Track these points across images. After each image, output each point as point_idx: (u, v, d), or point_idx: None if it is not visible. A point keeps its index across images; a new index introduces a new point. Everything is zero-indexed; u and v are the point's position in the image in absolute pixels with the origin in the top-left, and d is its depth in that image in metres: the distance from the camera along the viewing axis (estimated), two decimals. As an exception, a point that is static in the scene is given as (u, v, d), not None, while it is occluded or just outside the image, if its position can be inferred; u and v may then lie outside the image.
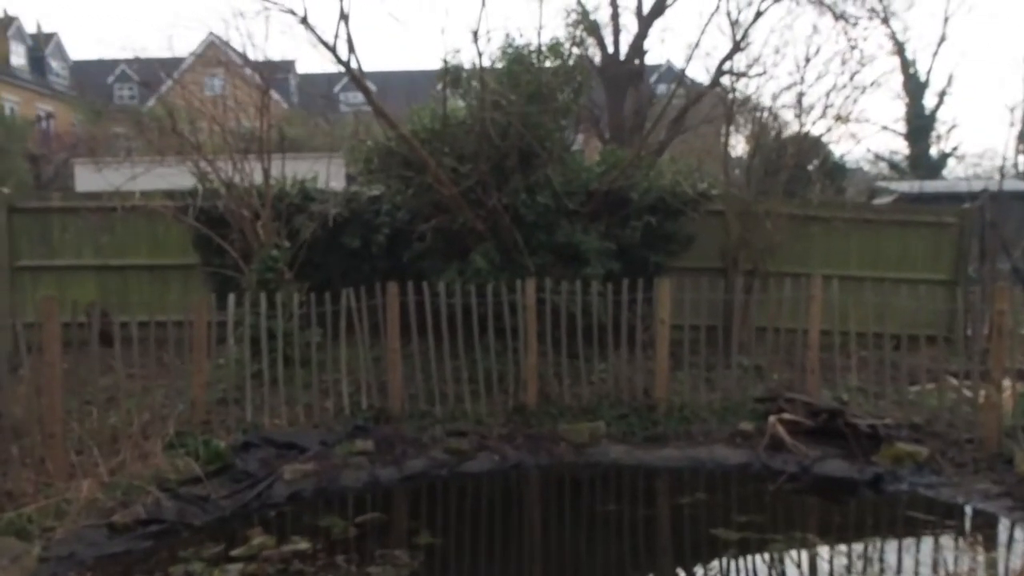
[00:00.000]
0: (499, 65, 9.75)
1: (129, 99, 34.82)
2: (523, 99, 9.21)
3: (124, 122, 19.18)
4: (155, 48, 20.57)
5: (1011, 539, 6.33)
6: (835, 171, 15.44)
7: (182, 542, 6.16)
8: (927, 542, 6.28)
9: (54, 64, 39.19)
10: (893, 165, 29.93)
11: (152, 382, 7.81)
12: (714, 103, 12.06)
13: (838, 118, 10.91)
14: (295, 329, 8.47)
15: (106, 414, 7.60)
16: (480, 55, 9.21)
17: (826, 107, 10.76)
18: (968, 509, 6.84)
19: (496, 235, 9.39)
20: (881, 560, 5.99)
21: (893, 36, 25.47)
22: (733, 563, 5.99)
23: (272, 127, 9.97)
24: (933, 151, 29.46)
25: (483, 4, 9.02)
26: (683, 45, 36.89)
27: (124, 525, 6.16)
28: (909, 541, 6.33)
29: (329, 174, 10.82)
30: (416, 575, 5.69)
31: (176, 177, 10.24)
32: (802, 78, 10.75)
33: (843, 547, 6.30)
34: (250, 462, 7.35)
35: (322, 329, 8.68)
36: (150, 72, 12.51)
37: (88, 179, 14.88)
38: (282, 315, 8.44)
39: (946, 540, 6.33)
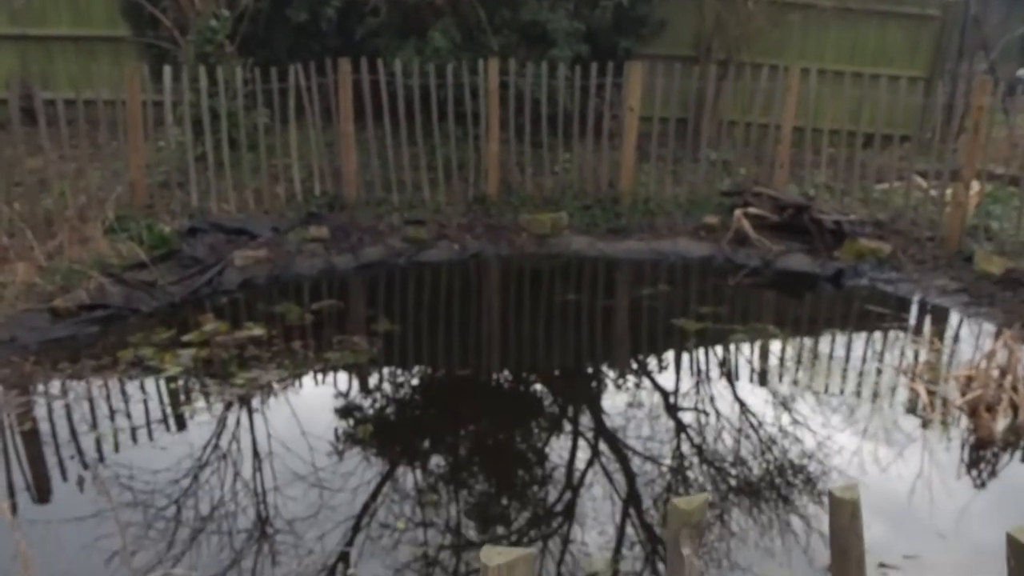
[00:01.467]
0: None
1: None
2: None
3: None
4: None
5: (961, 332, 6.44)
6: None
7: (130, 328, 5.90)
8: (881, 334, 6.35)
9: None
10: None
11: (86, 164, 7.27)
12: None
13: None
14: (239, 109, 7.86)
15: (38, 196, 7.10)
16: None
17: None
18: (925, 303, 6.92)
19: (456, 10, 8.68)
20: (834, 350, 6.06)
21: None
22: (693, 352, 5.99)
23: None
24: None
25: None
26: None
27: (67, 310, 5.86)
28: (864, 333, 6.40)
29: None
30: (375, 361, 5.57)
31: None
32: None
33: (800, 338, 6.35)
34: (198, 248, 7.01)
35: (269, 111, 8.09)
36: None
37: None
38: (225, 93, 7.81)
39: (899, 333, 6.40)
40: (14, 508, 3.81)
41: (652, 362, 5.97)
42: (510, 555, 1.48)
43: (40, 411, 4.77)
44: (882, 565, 3.38)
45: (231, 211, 7.75)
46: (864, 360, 5.90)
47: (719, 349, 6.03)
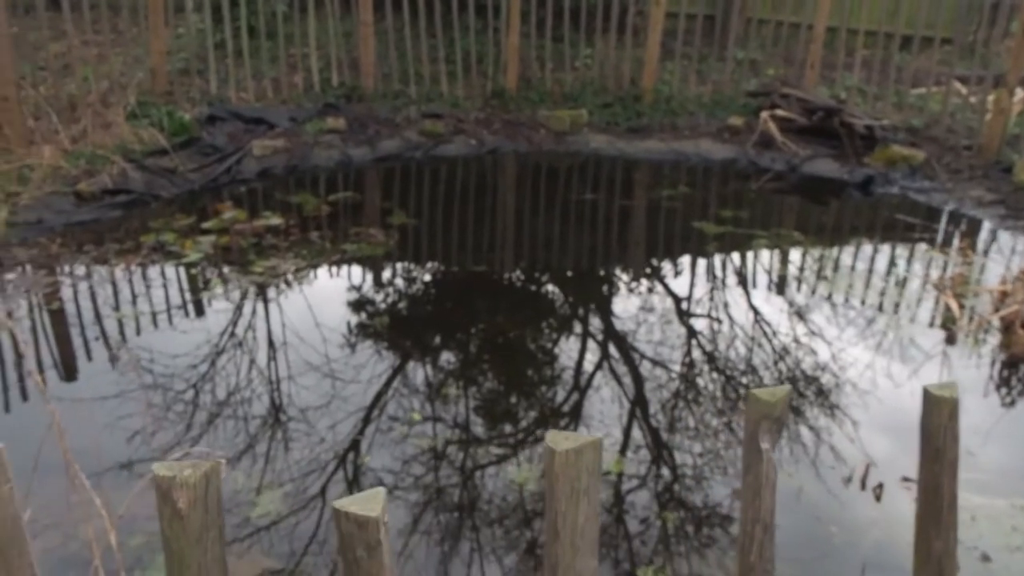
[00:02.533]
0: None
1: None
2: None
3: None
4: None
5: (995, 246, 6.22)
6: None
7: (152, 213, 5.98)
8: (910, 245, 6.18)
9: None
10: None
11: (108, 49, 7.22)
12: None
13: None
14: (259, -5, 7.74)
15: (62, 81, 7.09)
16: None
17: None
18: (958, 215, 6.74)
19: None
20: (859, 259, 5.98)
21: None
22: (712, 256, 5.96)
23: None
24: None
25: None
26: None
27: (91, 194, 5.93)
28: (892, 243, 6.23)
29: None
30: (391, 254, 5.63)
31: None
32: None
33: (824, 247, 6.26)
34: (217, 136, 7.01)
35: (289, -2, 7.96)
36: None
37: None
38: (244, -22, 7.68)
39: (929, 244, 6.21)
40: (45, 383, 3.96)
41: (668, 265, 5.94)
42: (577, 441, 1.47)
43: (66, 292, 4.89)
44: (905, 479, 3.41)
45: (249, 100, 7.71)
46: (891, 271, 5.73)
47: (739, 254, 5.98)
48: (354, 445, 3.65)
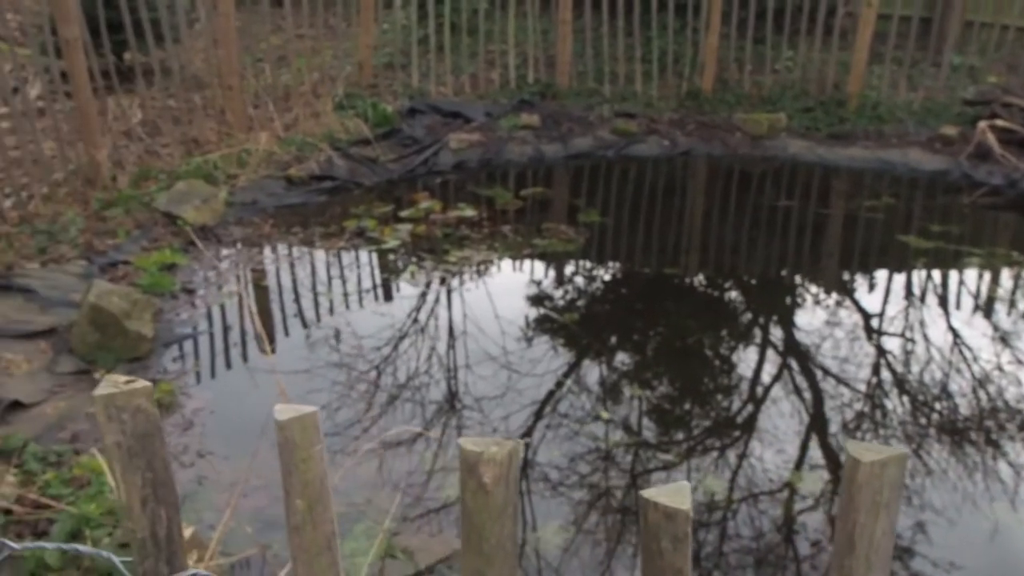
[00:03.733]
0: None
1: None
2: None
3: None
4: None
5: None
6: None
7: (353, 199, 6.35)
8: None
9: None
10: None
11: (320, 43, 7.71)
12: None
13: None
14: (463, -7, 8.02)
15: (278, 72, 7.65)
16: None
17: None
18: None
19: None
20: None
21: None
22: (914, 272, 5.62)
23: None
24: None
25: None
26: None
27: (300, 179, 6.37)
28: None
29: None
30: (581, 251, 5.68)
31: None
32: None
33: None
34: (416, 128, 7.33)
35: (491, -5, 8.20)
36: None
37: None
38: (450, -24, 7.98)
39: None
40: (245, 356, 4.30)
41: (862, 279, 5.64)
42: (881, 453, 1.45)
43: (273, 269, 5.28)
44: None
45: (448, 94, 8.00)
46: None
47: (945, 272, 5.60)
48: (525, 438, 3.73)
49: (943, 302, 5.22)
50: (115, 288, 4.24)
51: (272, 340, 4.45)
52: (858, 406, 4.05)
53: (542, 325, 4.75)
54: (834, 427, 3.87)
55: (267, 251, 5.51)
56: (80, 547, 1.23)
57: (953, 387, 4.21)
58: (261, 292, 4.98)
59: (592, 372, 4.32)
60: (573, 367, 4.35)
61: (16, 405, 3.63)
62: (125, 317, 4.11)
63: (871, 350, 4.60)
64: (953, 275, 5.56)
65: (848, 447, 1.41)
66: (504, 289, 5.13)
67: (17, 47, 6.04)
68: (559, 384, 4.15)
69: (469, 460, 1.07)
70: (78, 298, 4.38)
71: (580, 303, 5.13)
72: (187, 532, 2.87)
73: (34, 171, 5.48)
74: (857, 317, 5.00)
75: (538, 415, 3.89)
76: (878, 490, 1.40)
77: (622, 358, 4.51)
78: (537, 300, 5.06)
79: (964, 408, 4.04)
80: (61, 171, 5.72)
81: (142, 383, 1.05)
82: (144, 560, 1.11)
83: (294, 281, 5.15)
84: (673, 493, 1.14)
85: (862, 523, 1.41)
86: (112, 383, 1.04)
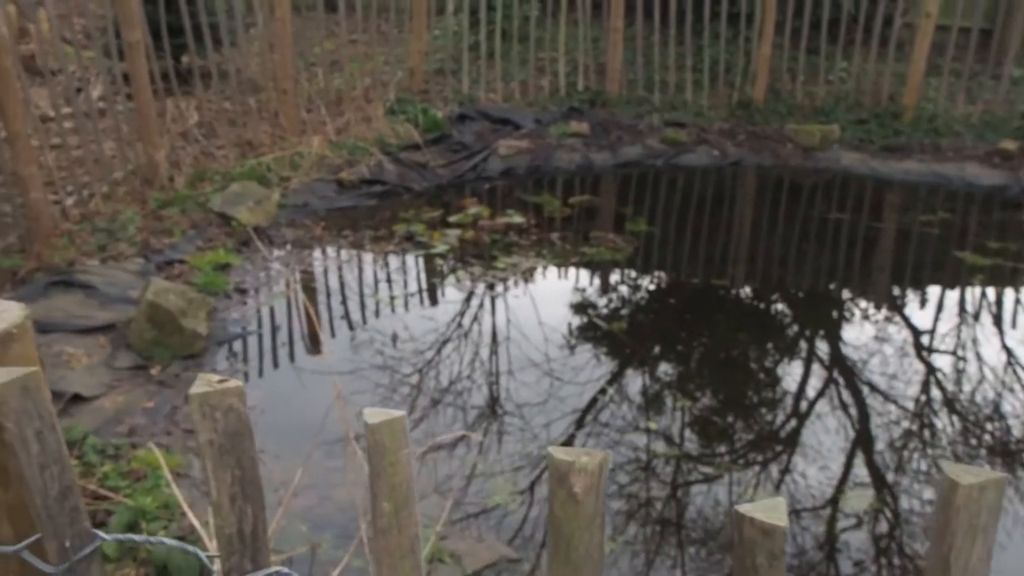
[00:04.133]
0: None
1: None
2: None
3: None
4: None
5: None
6: None
7: (402, 204, 6.42)
8: None
9: None
10: None
11: (372, 48, 7.82)
12: None
13: None
14: (514, 1, 8.06)
15: (331, 76, 7.77)
16: None
17: None
18: None
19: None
20: None
21: None
22: (969, 290, 5.51)
23: None
24: None
25: None
26: None
27: (351, 182, 6.47)
28: None
29: None
30: (629, 260, 5.68)
31: None
32: None
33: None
34: (466, 134, 7.39)
35: (541, 3, 8.22)
36: None
37: None
38: (502, -16, 8.04)
39: None
40: (294, 356, 4.38)
41: (914, 295, 5.55)
42: (980, 476, 1.45)
43: (323, 271, 5.37)
44: None
45: (497, 100, 8.05)
46: None
47: (1001, 290, 5.47)
48: (566, 445, 3.74)
49: (998, 320, 5.11)
50: (172, 286, 4.35)
51: (318, 342, 4.52)
52: (906, 424, 3.99)
53: (587, 333, 4.76)
54: (881, 445, 3.82)
55: (318, 253, 5.60)
56: (166, 540, 1.28)
57: (1006, 408, 4.13)
58: (311, 293, 5.07)
59: (635, 381, 4.32)
60: (616, 375, 4.35)
61: (77, 398, 3.75)
62: (181, 315, 4.21)
63: (921, 368, 4.53)
64: (1009, 293, 5.45)
65: (945, 469, 1.40)
66: (551, 296, 5.15)
67: (81, 50, 6.22)
68: (602, 392, 4.16)
69: (560, 470, 1.09)
70: (135, 295, 4.50)
71: (627, 312, 5.12)
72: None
73: (95, 170, 5.64)
74: (907, 334, 4.92)
75: (579, 423, 3.91)
76: (976, 513, 1.39)
77: (666, 368, 4.50)
78: (584, 308, 5.07)
79: (1017, 430, 3.96)
80: (121, 171, 5.88)
81: (234, 383, 1.09)
82: (230, 556, 1.16)
83: (342, 283, 5.22)
84: (769, 509, 1.13)
85: (958, 547, 1.40)
86: (206, 382, 1.09)
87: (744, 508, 1.11)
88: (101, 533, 1.23)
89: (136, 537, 1.25)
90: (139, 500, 3.00)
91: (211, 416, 1.10)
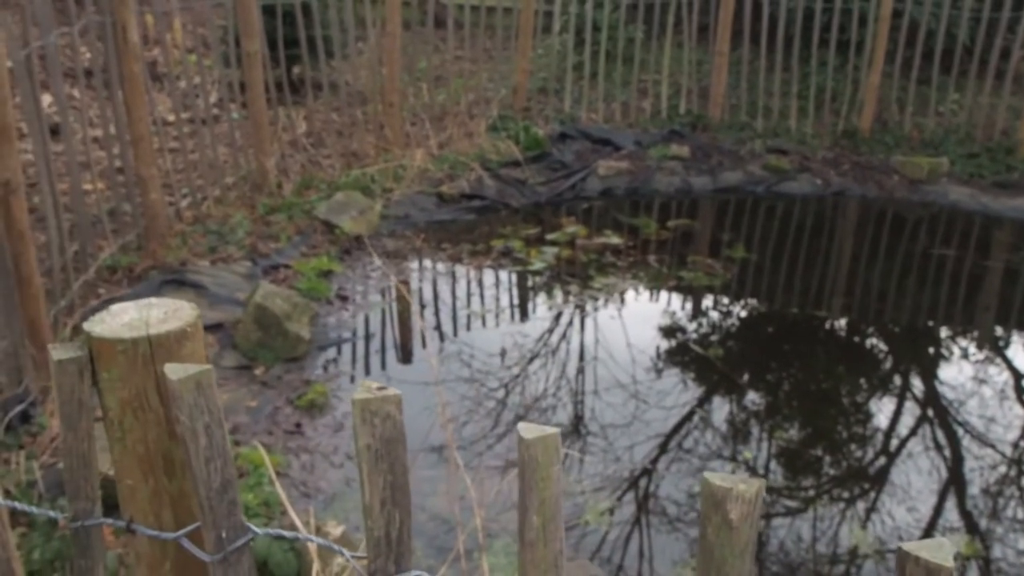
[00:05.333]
0: None
1: None
2: None
3: None
4: None
5: None
6: None
7: (501, 220, 6.49)
8: None
9: None
10: None
11: (477, 65, 7.94)
12: None
13: None
14: (619, 22, 8.09)
15: (435, 91, 7.92)
16: None
17: None
18: None
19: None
20: None
21: None
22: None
23: None
24: None
25: None
26: None
27: (451, 196, 6.57)
28: None
29: None
30: (727, 287, 5.62)
31: None
32: None
33: None
34: (566, 153, 7.43)
35: (646, 26, 8.22)
36: None
37: None
38: (607, 5, 8.07)
39: None
40: (383, 364, 4.47)
41: (1021, 337, 5.36)
42: None
43: (422, 282, 5.46)
44: None
45: (598, 121, 8.07)
46: None
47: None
48: (646, 472, 3.72)
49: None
50: (278, 290, 4.49)
51: (412, 351, 4.61)
52: (1002, 469, 3.86)
53: (679, 358, 4.72)
54: (974, 489, 3.70)
55: (416, 264, 5.70)
56: (315, 538, 1.33)
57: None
58: (409, 304, 5.16)
59: (722, 409, 4.27)
60: (703, 401, 4.31)
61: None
62: (286, 318, 4.35)
63: (1022, 413, 4.36)
64: None
65: None
66: (645, 318, 5.13)
67: (200, 58, 6.48)
68: (688, 418, 4.13)
69: (716, 496, 1.09)
70: (243, 296, 4.66)
71: (721, 338, 5.07)
72: (337, 531, 3.01)
73: (208, 174, 5.87)
74: (1009, 376, 4.75)
75: (663, 447, 3.88)
76: None
77: (755, 397, 4.44)
78: (680, 332, 5.03)
79: None
80: (232, 176, 6.10)
81: (392, 391, 1.13)
82: (376, 558, 1.20)
83: (436, 294, 5.31)
84: (935, 548, 1.12)
85: None
86: (366, 388, 1.14)
87: (909, 546, 1.09)
88: (254, 527, 1.28)
89: (286, 533, 1.30)
90: (242, 497, 3.10)
91: (370, 422, 1.14)
